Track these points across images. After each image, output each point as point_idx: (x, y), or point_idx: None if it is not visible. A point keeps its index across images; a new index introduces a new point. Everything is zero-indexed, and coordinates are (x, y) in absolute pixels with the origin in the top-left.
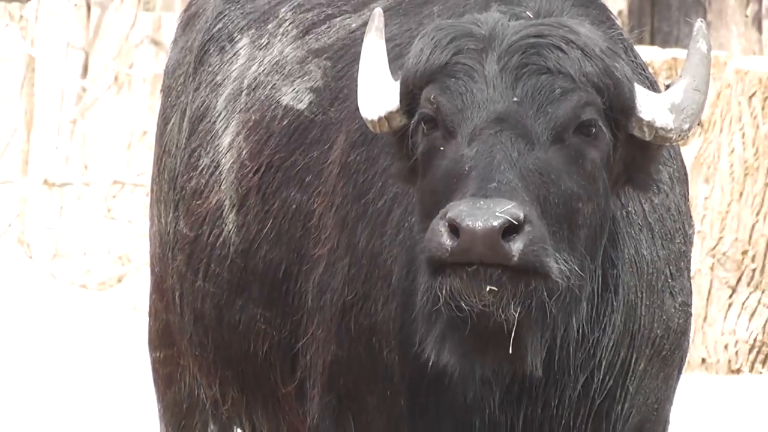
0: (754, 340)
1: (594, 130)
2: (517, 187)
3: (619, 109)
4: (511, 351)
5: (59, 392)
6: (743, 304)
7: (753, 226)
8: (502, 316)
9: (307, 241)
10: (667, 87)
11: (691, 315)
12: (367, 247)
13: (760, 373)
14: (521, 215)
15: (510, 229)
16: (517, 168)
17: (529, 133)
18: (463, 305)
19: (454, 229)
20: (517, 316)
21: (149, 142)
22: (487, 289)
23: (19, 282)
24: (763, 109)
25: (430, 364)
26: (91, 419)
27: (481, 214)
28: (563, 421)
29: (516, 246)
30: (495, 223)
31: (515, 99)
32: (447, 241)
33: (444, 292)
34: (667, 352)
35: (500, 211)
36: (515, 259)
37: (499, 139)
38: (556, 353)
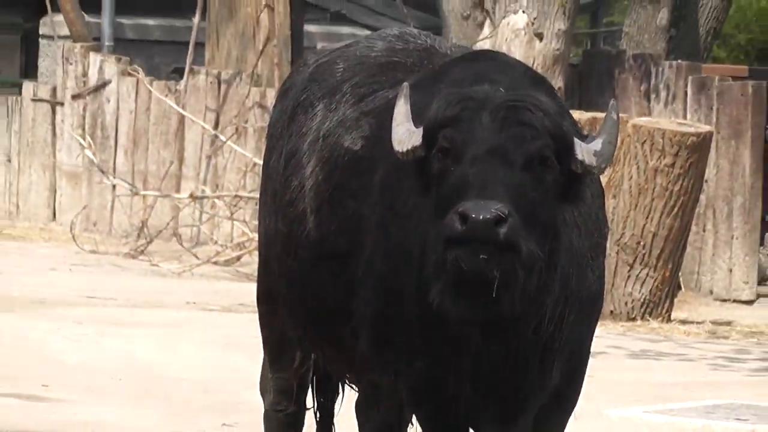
0: (644, 299)
1: (549, 162)
2: (503, 194)
3: (564, 151)
4: (493, 298)
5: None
6: (637, 276)
7: (644, 226)
8: (489, 276)
9: (359, 234)
10: (589, 137)
11: (604, 284)
12: (396, 239)
13: (648, 320)
14: (506, 212)
15: (499, 220)
16: (503, 183)
17: (510, 161)
18: (464, 267)
19: (463, 218)
20: (498, 276)
21: (258, 171)
22: (481, 257)
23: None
24: (650, 150)
25: (436, 308)
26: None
27: (481, 209)
28: (521, 351)
29: (502, 230)
30: (490, 216)
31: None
32: (458, 226)
33: (450, 259)
34: (588, 308)
35: (494, 208)
36: (501, 238)
37: (491, 164)
38: (518, 306)
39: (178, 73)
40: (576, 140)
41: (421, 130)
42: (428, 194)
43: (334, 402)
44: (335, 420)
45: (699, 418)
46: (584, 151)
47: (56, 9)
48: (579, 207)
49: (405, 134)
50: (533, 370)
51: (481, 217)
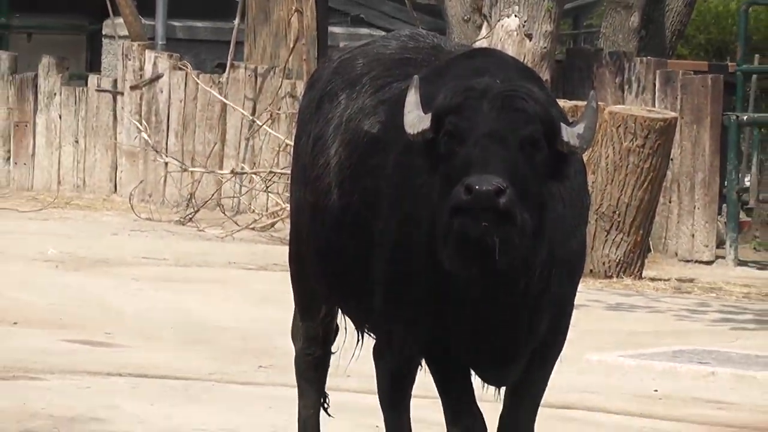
0: (619, 260)
1: (539, 144)
2: (501, 170)
3: (551, 134)
4: (492, 259)
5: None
6: (613, 240)
7: (618, 198)
8: (489, 240)
9: (376, 205)
10: (572, 122)
11: (585, 247)
12: (407, 209)
13: (622, 278)
14: (505, 185)
15: (499, 191)
16: (501, 161)
17: (506, 142)
18: (469, 233)
19: (468, 190)
20: (497, 240)
21: (289, 151)
22: (483, 224)
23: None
24: (624, 133)
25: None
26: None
27: (484, 182)
28: (515, 305)
29: (502, 200)
30: (491, 187)
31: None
32: (464, 196)
33: (456, 225)
34: (572, 268)
35: (494, 181)
36: (501, 207)
37: (491, 145)
38: (513, 266)
39: (221, 67)
40: (562, 125)
41: (429, 116)
42: (435, 171)
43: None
44: (356, 364)
45: (666, 361)
46: (569, 134)
47: (117, 13)
48: (564, 182)
49: (415, 119)
50: (525, 321)
51: (484, 188)
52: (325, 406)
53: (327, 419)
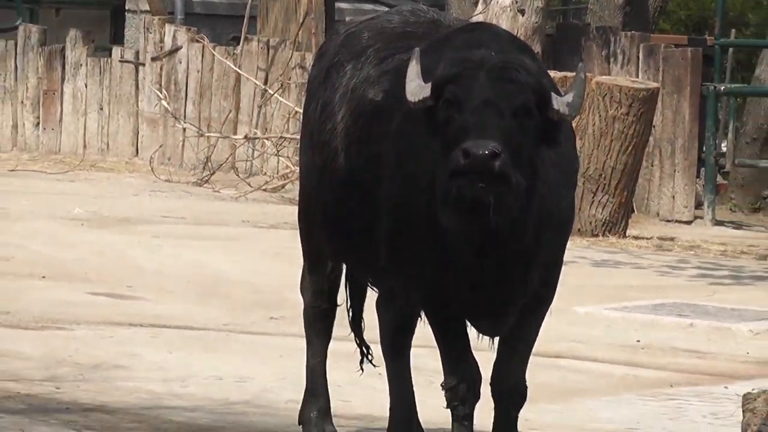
0: (604, 219)
1: (531, 112)
2: (496, 136)
3: (543, 102)
4: (488, 218)
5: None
6: (599, 201)
7: (604, 162)
8: (485, 200)
9: (379, 168)
10: (562, 92)
11: (574, 208)
12: (408, 172)
13: (607, 236)
14: (499, 149)
15: (494, 155)
16: (496, 127)
17: (501, 110)
18: (466, 193)
19: (466, 154)
20: (492, 200)
21: (299, 117)
22: (479, 185)
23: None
24: (609, 102)
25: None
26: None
27: (480, 146)
28: (508, 261)
29: (497, 163)
30: (487, 151)
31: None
32: (462, 160)
33: (455, 186)
34: (561, 226)
35: (490, 146)
36: (496, 170)
37: (487, 112)
38: (506, 224)
39: (236, 40)
40: (552, 94)
41: (429, 85)
42: (435, 136)
43: (362, 301)
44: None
45: (648, 314)
46: (559, 103)
47: None
48: (555, 147)
49: (417, 88)
50: (518, 275)
51: (480, 152)
52: (369, 358)
53: (332, 367)
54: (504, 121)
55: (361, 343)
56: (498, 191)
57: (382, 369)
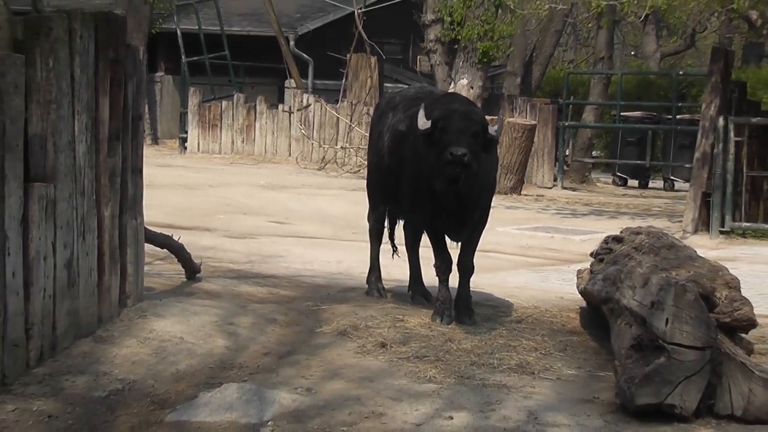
0: (510, 186)
1: (479, 134)
2: (465, 146)
3: (484, 130)
4: (460, 184)
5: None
6: (507, 177)
7: (511, 159)
8: (460, 176)
9: (403, 164)
10: (492, 125)
11: (496, 180)
12: (417, 163)
13: (512, 195)
14: (467, 152)
15: (464, 155)
16: (465, 143)
17: (466, 134)
18: (450, 173)
19: (451, 153)
20: (463, 176)
21: (366, 138)
22: (457, 169)
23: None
24: (513, 130)
25: (437, 190)
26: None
27: (458, 150)
28: (468, 206)
29: (465, 158)
30: (460, 152)
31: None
32: (449, 157)
33: (444, 169)
34: (490, 189)
35: (462, 150)
36: (466, 161)
37: (460, 135)
38: (469, 188)
39: (337, 101)
40: (489, 126)
41: (430, 121)
42: (431, 148)
43: (394, 225)
44: (396, 242)
45: (532, 231)
46: (491, 131)
47: (291, 76)
48: (490, 152)
49: (423, 123)
50: (470, 212)
51: (459, 153)
52: (398, 253)
53: (381, 256)
54: (468, 139)
55: (393, 246)
56: (465, 172)
57: (405, 258)
